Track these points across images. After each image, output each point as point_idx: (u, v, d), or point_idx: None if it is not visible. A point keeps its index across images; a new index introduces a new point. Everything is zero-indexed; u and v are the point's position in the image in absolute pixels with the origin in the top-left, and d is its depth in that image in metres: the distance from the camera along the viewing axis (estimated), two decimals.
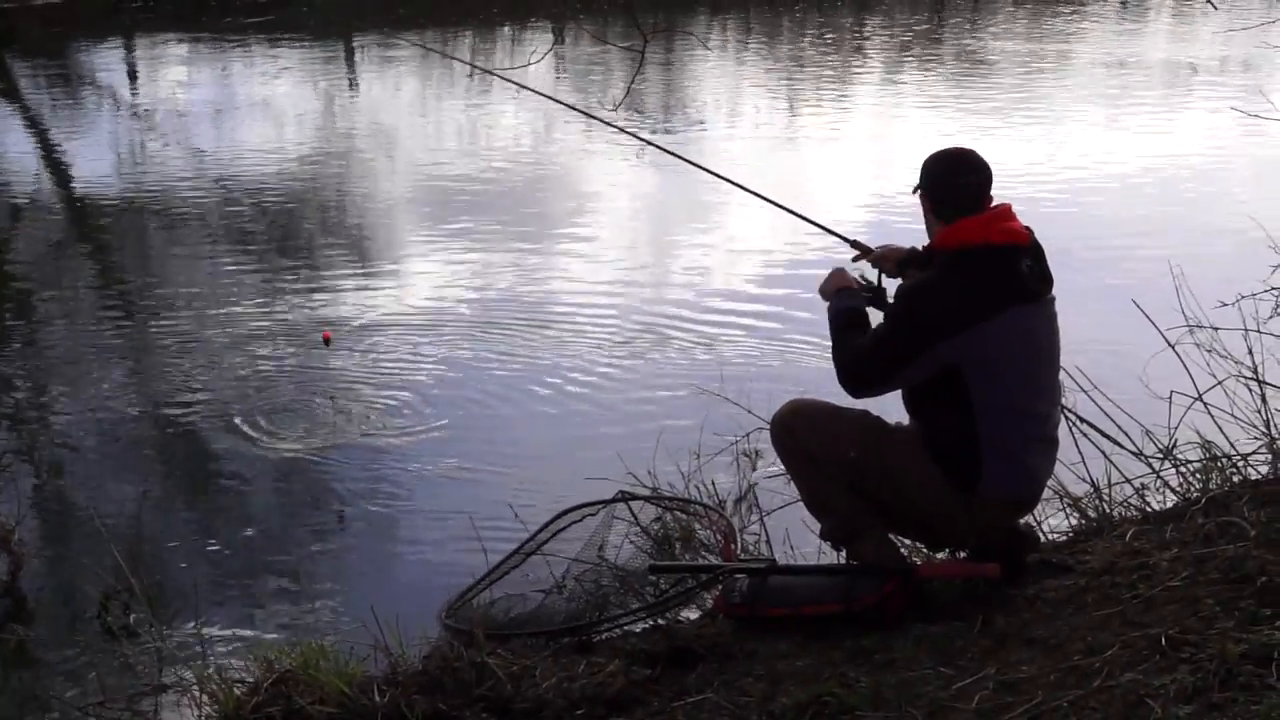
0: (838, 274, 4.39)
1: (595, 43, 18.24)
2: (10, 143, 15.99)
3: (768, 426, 4.40)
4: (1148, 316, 5.14)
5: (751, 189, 5.38)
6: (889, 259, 4.49)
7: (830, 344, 4.21)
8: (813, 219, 5.14)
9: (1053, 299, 4.13)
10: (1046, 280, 4.12)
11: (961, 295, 3.97)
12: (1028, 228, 4.13)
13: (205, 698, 4.22)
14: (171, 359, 8.36)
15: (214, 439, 7.06)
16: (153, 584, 5.25)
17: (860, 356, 4.08)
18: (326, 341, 7.94)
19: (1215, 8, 6.58)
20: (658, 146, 6.15)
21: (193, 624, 5.14)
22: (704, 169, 5.67)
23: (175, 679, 4.71)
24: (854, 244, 4.73)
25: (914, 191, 4.24)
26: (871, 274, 4.50)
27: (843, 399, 4.22)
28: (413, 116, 17.51)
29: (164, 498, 6.53)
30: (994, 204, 4.10)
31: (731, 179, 5.57)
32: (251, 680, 4.17)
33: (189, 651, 4.94)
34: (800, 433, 4.19)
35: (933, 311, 3.98)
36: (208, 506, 6.41)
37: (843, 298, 4.31)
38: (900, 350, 4.00)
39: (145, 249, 11.80)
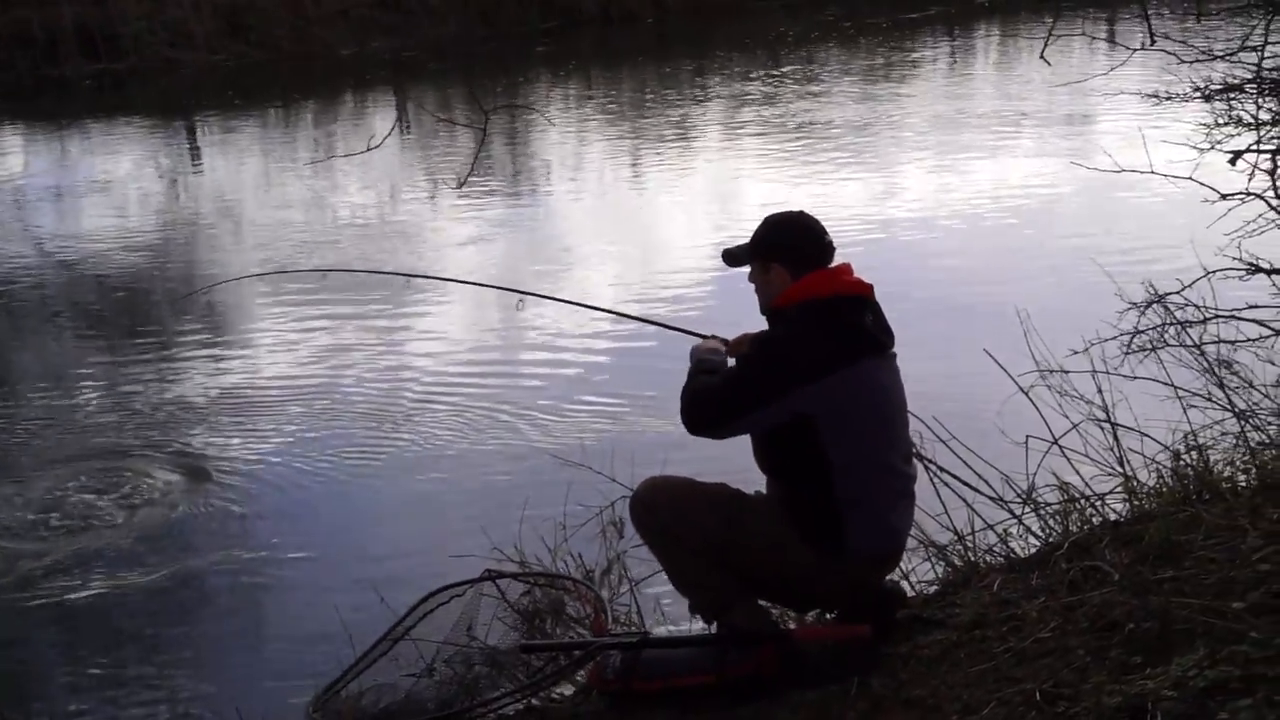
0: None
1: (437, 120, 18.26)
2: None
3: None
4: (999, 364, 5.19)
5: (604, 308, 5.55)
6: (744, 345, 4.46)
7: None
8: (668, 324, 5.20)
9: (895, 354, 4.18)
10: (889, 334, 4.16)
11: (817, 344, 3.98)
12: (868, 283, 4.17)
13: None
14: (14, 446, 8.11)
15: (64, 529, 6.84)
16: (7, 688, 5.04)
17: (709, 394, 4.05)
18: None
19: (1049, 64, 6.77)
20: (514, 290, 6.15)
21: None
22: (558, 300, 6.18)
23: None
24: (711, 339, 4.69)
25: (740, 264, 4.25)
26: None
27: (700, 472, 4.21)
28: (256, 190, 17.26)
29: (15, 596, 6.26)
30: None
31: (584, 303, 6.12)
32: None
33: None
34: (661, 510, 4.13)
35: (789, 358, 3.98)
36: (61, 605, 6.17)
37: (708, 354, 4.32)
38: (754, 393, 3.97)
39: None
